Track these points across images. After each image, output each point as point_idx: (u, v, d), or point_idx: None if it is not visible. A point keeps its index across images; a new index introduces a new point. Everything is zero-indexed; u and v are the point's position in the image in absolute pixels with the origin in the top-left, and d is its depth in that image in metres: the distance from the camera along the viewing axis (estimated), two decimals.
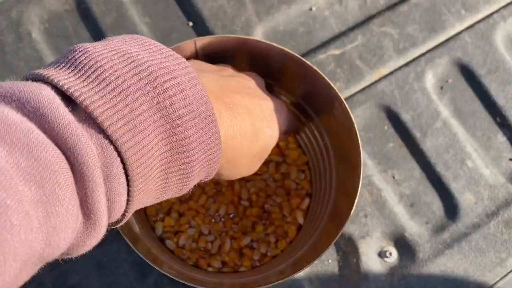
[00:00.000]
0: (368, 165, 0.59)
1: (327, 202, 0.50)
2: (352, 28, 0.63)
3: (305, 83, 0.45)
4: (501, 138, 0.61)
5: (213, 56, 0.43)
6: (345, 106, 0.43)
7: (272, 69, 0.46)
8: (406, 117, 0.61)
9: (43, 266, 0.40)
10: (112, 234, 0.48)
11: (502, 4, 0.65)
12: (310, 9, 0.63)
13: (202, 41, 0.40)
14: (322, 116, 0.49)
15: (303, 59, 0.43)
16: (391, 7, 0.64)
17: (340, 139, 0.47)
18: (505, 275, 0.56)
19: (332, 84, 0.43)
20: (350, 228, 0.56)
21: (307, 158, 0.55)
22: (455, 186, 0.58)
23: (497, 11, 0.65)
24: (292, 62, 0.43)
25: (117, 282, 0.53)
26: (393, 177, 0.59)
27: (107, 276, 0.53)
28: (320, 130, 0.50)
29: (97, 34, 0.60)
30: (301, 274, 0.55)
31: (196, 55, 0.42)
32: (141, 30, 0.61)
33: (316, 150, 0.52)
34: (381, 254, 0.56)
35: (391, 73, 0.62)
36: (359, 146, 0.43)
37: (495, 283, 0.56)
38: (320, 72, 0.43)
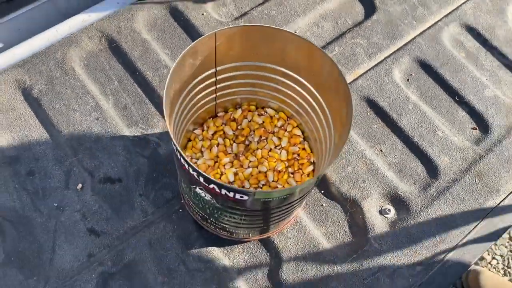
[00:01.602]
0: (359, 142, 0.71)
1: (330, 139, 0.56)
2: (329, 43, 0.79)
3: (312, 62, 0.53)
4: (461, 112, 0.76)
5: (233, 46, 0.53)
6: (340, 71, 0.52)
7: (287, 53, 0.54)
8: (383, 103, 0.75)
9: (102, 248, 0.53)
10: (158, 216, 0.60)
11: (444, 14, 0.83)
12: (295, 31, 0.79)
13: (222, 33, 0.51)
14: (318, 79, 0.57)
15: (310, 42, 0.53)
16: (357, 24, 0.81)
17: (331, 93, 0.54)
18: (485, 216, 0.68)
19: (333, 60, 0.51)
20: (352, 192, 0.68)
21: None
22: (432, 152, 0.71)
23: (440, 19, 0.83)
24: (302, 45, 0.51)
25: (166, 255, 0.62)
26: (381, 151, 0.72)
27: (157, 251, 0.62)
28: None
29: (128, 65, 0.74)
30: (318, 233, 0.65)
31: (215, 48, 0.53)
32: (164, 59, 0.75)
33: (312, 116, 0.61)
34: (382, 212, 0.68)
35: (365, 72, 0.77)
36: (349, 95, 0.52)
37: (478, 223, 0.67)
38: (324, 52, 0.54)
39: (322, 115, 0.57)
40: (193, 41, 0.77)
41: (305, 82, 0.56)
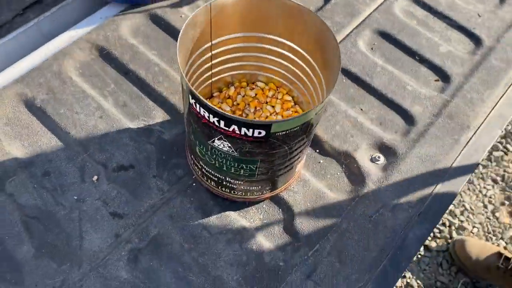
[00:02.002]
0: (341, 104, 0.80)
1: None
2: None
3: (301, 23, 0.59)
4: (423, 69, 0.86)
5: (228, 17, 0.59)
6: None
7: (276, 20, 0.60)
8: (355, 70, 0.84)
9: (127, 228, 0.59)
10: (174, 192, 0.65)
11: None
12: None
13: (216, 4, 0.57)
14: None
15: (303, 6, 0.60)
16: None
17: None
18: (462, 149, 0.76)
19: (321, 19, 0.57)
20: (344, 146, 0.75)
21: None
22: (405, 104, 0.80)
23: None
24: (292, 10, 0.57)
25: (188, 225, 0.66)
26: (361, 109, 0.80)
27: (179, 222, 0.67)
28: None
29: (120, 68, 0.80)
30: (321, 185, 0.72)
31: (210, 20, 0.59)
32: (152, 58, 0.81)
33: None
34: (372, 159, 0.75)
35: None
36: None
37: (458, 155, 0.76)
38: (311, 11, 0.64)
39: (313, 75, 0.64)
40: (176, 40, 0.84)
41: (296, 47, 0.63)
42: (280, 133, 0.52)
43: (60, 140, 0.72)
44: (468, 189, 1.79)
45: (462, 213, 1.73)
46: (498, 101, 0.82)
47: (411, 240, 0.67)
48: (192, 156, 0.66)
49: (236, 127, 0.50)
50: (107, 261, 0.63)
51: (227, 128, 0.51)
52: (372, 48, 0.87)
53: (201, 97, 0.50)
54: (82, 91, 0.77)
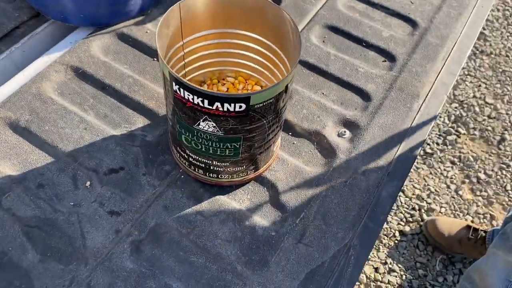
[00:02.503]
0: (305, 91, 0.88)
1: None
2: None
3: (268, 19, 0.66)
4: (371, 53, 0.96)
5: (197, 15, 0.67)
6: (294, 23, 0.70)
7: (248, 16, 0.66)
8: (312, 60, 0.93)
9: (125, 223, 0.64)
10: (165, 186, 0.71)
11: None
12: None
13: (185, 3, 0.64)
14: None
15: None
16: None
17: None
18: (415, 115, 0.86)
19: (285, 13, 0.67)
20: (312, 126, 0.83)
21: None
22: (360, 84, 0.90)
23: None
24: (252, 3, 0.64)
25: (182, 213, 0.71)
26: (323, 93, 0.89)
27: (174, 211, 0.71)
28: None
29: (97, 84, 0.85)
30: (298, 162, 0.78)
31: (180, 19, 0.66)
32: (125, 72, 0.87)
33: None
34: (339, 134, 0.83)
35: None
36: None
37: (413, 120, 0.85)
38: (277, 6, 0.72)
39: (278, 61, 0.71)
40: (144, 53, 0.91)
41: (259, 37, 0.71)
42: (258, 106, 0.59)
43: (49, 155, 0.76)
44: (430, 173, 1.91)
45: (428, 196, 1.84)
46: (440, 71, 0.93)
47: (384, 197, 0.75)
48: (178, 149, 0.72)
49: (219, 104, 0.57)
50: (111, 255, 0.67)
51: (211, 107, 0.58)
52: (323, 41, 0.97)
53: (185, 80, 0.56)
54: (64, 108, 0.81)
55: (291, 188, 0.75)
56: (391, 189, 0.76)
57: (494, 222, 1.78)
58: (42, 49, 0.92)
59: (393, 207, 1.79)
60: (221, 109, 0.58)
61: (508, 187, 1.87)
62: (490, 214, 1.80)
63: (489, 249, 1.23)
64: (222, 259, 0.68)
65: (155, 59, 0.90)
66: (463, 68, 2.27)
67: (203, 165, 0.70)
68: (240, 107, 0.58)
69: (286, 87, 0.61)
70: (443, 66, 0.94)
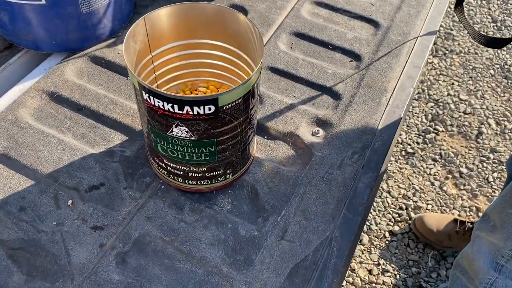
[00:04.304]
0: (277, 96, 0.90)
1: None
2: None
3: (234, 28, 0.69)
4: (337, 54, 0.99)
5: (163, 28, 0.69)
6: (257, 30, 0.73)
7: (210, 25, 0.69)
8: (281, 66, 0.96)
9: (109, 237, 0.66)
10: (146, 197, 0.72)
11: (296, 0, 1.09)
12: None
13: (150, 16, 0.67)
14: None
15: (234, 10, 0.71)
16: None
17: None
18: (385, 109, 0.89)
19: (246, 17, 0.71)
20: (287, 128, 0.85)
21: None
22: (329, 84, 0.93)
23: (295, 4, 1.09)
24: (215, 12, 0.67)
25: (165, 221, 0.72)
26: (294, 96, 0.91)
27: (156, 221, 0.72)
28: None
29: (72, 106, 0.87)
30: (275, 163, 0.80)
31: (147, 32, 0.68)
32: (100, 92, 0.89)
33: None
34: (313, 134, 0.85)
35: None
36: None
37: (383, 113, 0.88)
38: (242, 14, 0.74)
39: (246, 66, 0.74)
40: (118, 74, 0.93)
41: (226, 45, 0.74)
42: (227, 106, 0.61)
43: (29, 178, 0.76)
44: (414, 172, 1.94)
45: (414, 195, 1.87)
46: (405, 66, 0.96)
47: (361, 189, 0.77)
48: (156, 160, 0.73)
49: (188, 108, 0.59)
50: (97, 269, 0.67)
51: (181, 112, 0.60)
52: (291, 47, 1.00)
53: (153, 87, 0.58)
54: (41, 132, 0.82)
55: (270, 188, 0.77)
56: (367, 180, 0.78)
57: (480, 214, 1.81)
58: (17, 78, 0.94)
59: (380, 208, 1.81)
60: (191, 112, 0.60)
61: (491, 179, 1.91)
62: (476, 207, 1.83)
63: (473, 232, 1.26)
64: (208, 262, 0.69)
65: (128, 78, 0.92)
66: (435, 68, 2.34)
67: (181, 172, 0.71)
68: (210, 109, 0.60)
69: (253, 87, 0.64)
70: (407, 60, 0.97)
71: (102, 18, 0.92)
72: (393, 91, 0.92)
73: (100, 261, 0.68)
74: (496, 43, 0.94)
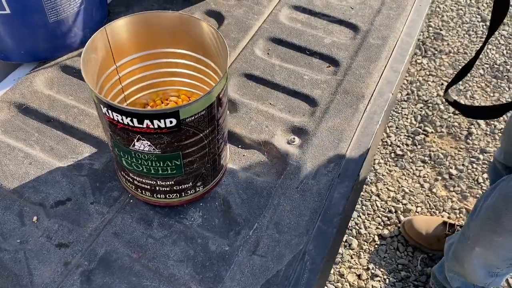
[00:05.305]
0: (252, 103, 0.88)
1: None
2: None
3: (198, 35, 0.67)
4: (315, 60, 0.97)
5: (127, 38, 0.67)
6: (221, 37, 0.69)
7: (175, 33, 0.67)
8: (257, 73, 0.94)
9: (74, 255, 0.63)
10: (114, 212, 0.70)
11: (274, 4, 1.07)
12: None
13: (112, 26, 0.65)
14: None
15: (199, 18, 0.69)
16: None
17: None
18: (362, 115, 0.87)
19: (208, 24, 0.68)
20: (261, 137, 0.83)
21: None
22: (306, 91, 0.91)
23: (273, 9, 1.07)
24: (178, 20, 0.65)
25: (132, 237, 0.70)
26: (270, 104, 0.89)
27: (124, 237, 0.70)
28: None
29: (41, 118, 0.84)
30: (249, 174, 0.78)
31: (109, 42, 0.66)
32: (71, 103, 0.87)
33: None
34: (289, 142, 0.83)
35: (236, 58, 0.96)
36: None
37: (360, 120, 0.86)
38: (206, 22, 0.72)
39: (213, 74, 0.72)
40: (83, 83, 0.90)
41: (192, 53, 0.71)
42: (190, 119, 0.59)
43: None
44: (403, 174, 1.93)
45: (403, 197, 1.86)
46: (384, 70, 0.94)
47: (337, 199, 0.75)
48: (122, 173, 0.71)
49: (148, 122, 0.57)
50: None
51: (141, 125, 0.57)
52: (268, 53, 0.98)
53: (110, 101, 0.56)
54: (8, 145, 0.80)
55: (243, 200, 0.75)
56: (343, 190, 0.76)
57: None
58: None
59: (370, 212, 1.79)
60: (152, 126, 0.57)
61: (480, 180, 1.90)
62: (466, 208, 1.82)
63: (454, 252, 1.25)
64: (176, 280, 0.66)
65: None
66: (424, 69, 2.32)
67: (148, 186, 0.69)
68: (171, 122, 0.57)
69: (219, 97, 0.62)
70: (386, 65, 0.95)
71: (72, 27, 0.90)
72: (371, 97, 0.89)
73: (64, 280, 0.66)
74: (492, 111, 0.88)
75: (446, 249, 1.35)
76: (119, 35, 0.67)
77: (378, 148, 1.99)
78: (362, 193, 1.84)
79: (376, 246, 1.72)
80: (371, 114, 0.87)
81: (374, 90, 0.91)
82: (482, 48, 0.83)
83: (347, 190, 0.76)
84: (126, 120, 0.57)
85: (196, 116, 0.59)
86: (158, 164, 0.64)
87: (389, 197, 1.85)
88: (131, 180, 0.70)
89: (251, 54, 0.97)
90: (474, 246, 1.10)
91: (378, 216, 1.79)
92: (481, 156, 1.98)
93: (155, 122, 0.57)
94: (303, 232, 0.71)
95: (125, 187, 0.74)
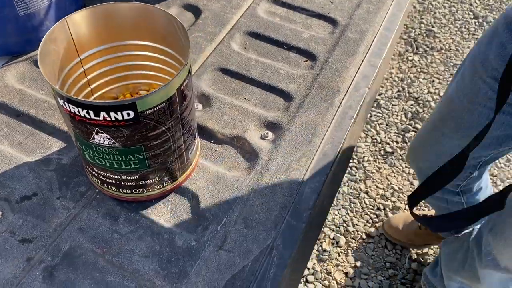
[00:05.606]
0: (226, 98, 0.87)
1: None
2: None
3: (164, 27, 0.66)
4: (292, 54, 0.96)
5: (91, 30, 0.66)
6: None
7: (139, 25, 0.67)
8: (232, 67, 0.92)
9: (38, 250, 0.62)
10: (80, 207, 0.69)
11: None
12: None
13: (72, 19, 0.64)
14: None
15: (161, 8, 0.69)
16: (192, 24, 1.00)
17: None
18: (336, 110, 0.85)
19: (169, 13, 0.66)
20: (234, 131, 0.82)
21: None
22: (281, 85, 0.89)
23: (252, 2, 1.05)
24: (140, 11, 0.64)
25: (97, 233, 0.69)
26: (245, 98, 0.88)
27: (89, 232, 0.69)
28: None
29: (11, 112, 0.83)
30: (220, 169, 0.77)
31: (71, 34, 0.65)
32: (41, 97, 0.85)
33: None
34: (262, 137, 0.82)
35: (211, 52, 0.95)
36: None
37: (334, 115, 0.84)
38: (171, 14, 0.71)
39: (179, 65, 0.71)
40: None
41: (156, 45, 0.70)
42: (149, 111, 0.57)
43: None
44: (392, 171, 1.91)
45: (392, 195, 1.84)
46: (360, 65, 0.93)
47: (307, 193, 0.74)
48: (88, 168, 0.70)
49: (105, 114, 0.56)
50: (22, 285, 0.64)
51: (98, 118, 0.56)
52: (245, 47, 0.97)
53: (65, 93, 0.55)
54: None
55: (212, 195, 0.74)
56: (314, 184, 0.75)
57: None
58: None
59: (358, 209, 1.78)
60: (109, 119, 0.56)
61: None
62: None
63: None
64: (141, 275, 0.65)
65: None
66: (415, 66, 2.31)
67: (113, 181, 0.68)
68: (128, 114, 0.56)
69: (181, 90, 0.60)
70: (363, 59, 0.94)
71: (43, 20, 0.88)
72: (347, 91, 0.88)
73: (26, 276, 0.64)
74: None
75: (446, 257, 1.29)
76: (82, 27, 0.66)
77: (367, 146, 1.98)
78: (350, 191, 1.83)
79: (364, 244, 1.70)
80: (346, 109, 0.86)
81: (350, 85, 0.90)
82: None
83: (318, 185, 0.75)
84: (83, 113, 0.56)
85: (155, 109, 0.58)
86: (120, 158, 0.63)
87: (378, 194, 1.84)
88: (96, 174, 0.69)
89: (228, 48, 0.96)
90: (499, 264, 1.00)
91: (367, 214, 1.78)
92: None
93: (112, 114, 0.56)
94: (271, 227, 0.70)
95: (92, 182, 0.73)
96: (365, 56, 0.95)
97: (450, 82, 1.06)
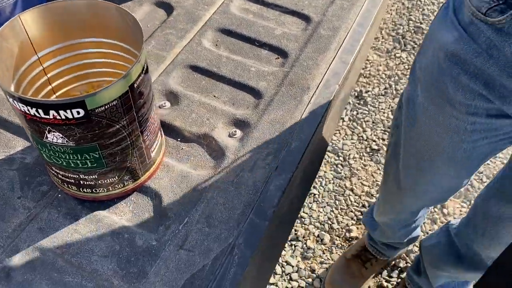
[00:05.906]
0: (195, 96, 0.86)
1: None
2: (145, 40, 0.96)
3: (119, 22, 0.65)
4: (264, 51, 0.95)
5: (47, 28, 0.64)
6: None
7: (96, 23, 0.65)
8: (203, 65, 0.91)
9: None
10: (41, 207, 0.67)
11: None
12: None
13: (26, 16, 0.62)
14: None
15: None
16: (163, 21, 0.99)
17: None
18: (305, 108, 0.85)
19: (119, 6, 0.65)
20: (202, 129, 0.81)
21: None
22: (251, 83, 0.89)
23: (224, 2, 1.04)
24: (94, 8, 0.63)
25: (57, 233, 0.68)
26: (214, 96, 0.87)
27: (49, 232, 0.68)
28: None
29: None
30: (185, 167, 0.76)
31: (26, 32, 0.63)
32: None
33: None
34: (230, 135, 0.81)
35: (181, 50, 0.94)
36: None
37: (303, 113, 0.84)
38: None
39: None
40: None
41: (114, 41, 0.69)
42: (100, 109, 0.56)
43: None
44: (378, 169, 1.91)
45: (377, 192, 1.83)
46: (332, 62, 0.92)
47: (272, 191, 0.73)
48: (48, 167, 0.69)
49: (54, 112, 0.55)
50: None
51: (48, 117, 0.55)
52: (216, 45, 0.96)
53: (13, 91, 0.54)
54: None
55: (176, 194, 0.73)
56: (279, 182, 0.74)
57: (444, 210, 1.78)
58: None
59: (343, 207, 1.78)
60: (59, 117, 0.55)
61: None
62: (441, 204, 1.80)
63: None
64: (99, 275, 0.65)
65: None
66: (403, 63, 2.30)
67: (72, 180, 0.67)
68: (78, 112, 0.55)
69: (135, 86, 0.60)
70: (334, 56, 0.93)
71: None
72: (317, 88, 0.88)
73: None
74: None
75: (427, 253, 1.27)
76: (37, 25, 0.65)
77: (353, 143, 1.97)
78: (335, 188, 1.82)
79: (348, 241, 1.70)
80: (315, 106, 0.85)
81: (320, 82, 0.89)
82: None
83: (284, 183, 0.74)
84: (32, 111, 0.55)
85: (107, 107, 0.57)
86: (76, 157, 0.62)
87: (363, 191, 1.84)
88: (55, 174, 0.68)
89: (198, 45, 0.95)
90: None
91: (351, 211, 1.78)
92: None
93: (61, 112, 0.55)
94: (234, 226, 0.69)
95: (53, 181, 0.72)
96: (337, 53, 0.94)
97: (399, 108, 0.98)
